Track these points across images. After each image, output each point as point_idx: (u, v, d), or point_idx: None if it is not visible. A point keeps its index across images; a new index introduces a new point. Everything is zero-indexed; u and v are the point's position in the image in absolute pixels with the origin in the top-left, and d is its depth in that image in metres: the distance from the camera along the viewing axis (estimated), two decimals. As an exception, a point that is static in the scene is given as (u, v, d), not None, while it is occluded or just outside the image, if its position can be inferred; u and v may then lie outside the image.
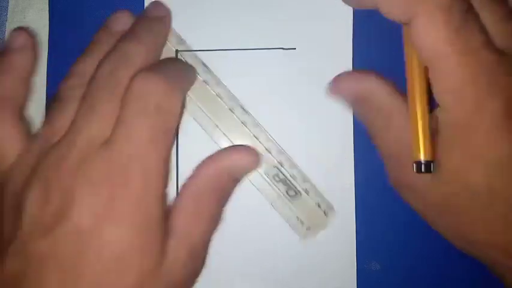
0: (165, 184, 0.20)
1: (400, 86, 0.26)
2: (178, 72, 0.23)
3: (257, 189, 0.25)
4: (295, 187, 0.24)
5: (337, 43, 0.25)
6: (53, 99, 0.22)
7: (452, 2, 0.19)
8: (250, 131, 0.25)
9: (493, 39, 0.20)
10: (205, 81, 0.25)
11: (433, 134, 0.20)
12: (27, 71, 0.23)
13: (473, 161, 0.19)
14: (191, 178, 0.22)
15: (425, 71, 0.20)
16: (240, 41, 0.25)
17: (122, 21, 0.23)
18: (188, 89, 0.24)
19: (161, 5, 0.24)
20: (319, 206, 0.24)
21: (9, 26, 0.26)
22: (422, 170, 0.20)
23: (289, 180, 0.24)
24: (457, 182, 0.19)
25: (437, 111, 0.20)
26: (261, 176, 0.25)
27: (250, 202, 0.25)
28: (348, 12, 0.26)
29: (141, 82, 0.20)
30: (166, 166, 0.20)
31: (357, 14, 0.26)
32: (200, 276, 0.22)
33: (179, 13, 0.25)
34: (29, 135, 0.22)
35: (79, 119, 0.20)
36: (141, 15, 0.24)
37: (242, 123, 0.25)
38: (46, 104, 0.25)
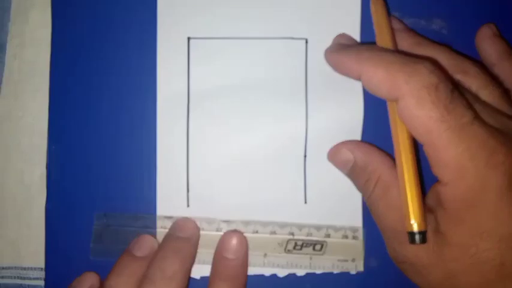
0: None
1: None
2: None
3: (286, 262, 0.25)
4: (317, 240, 0.24)
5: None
6: None
7: (438, 81, 0.19)
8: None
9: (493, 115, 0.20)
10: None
11: (435, 208, 0.20)
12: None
13: (482, 237, 0.18)
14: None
15: (414, 141, 0.20)
16: (251, 30, 0.25)
17: (146, 245, 0.24)
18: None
19: (189, 223, 0.24)
20: (346, 237, 0.25)
21: (12, 26, 0.26)
22: (417, 240, 0.19)
23: (308, 240, 0.24)
24: (465, 259, 0.19)
25: (439, 186, 0.19)
26: (284, 251, 0.25)
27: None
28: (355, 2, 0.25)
29: None
30: None
31: (364, 5, 0.25)
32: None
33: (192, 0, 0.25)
34: None
35: None
36: (168, 235, 0.24)
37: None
38: (49, 102, 0.25)
